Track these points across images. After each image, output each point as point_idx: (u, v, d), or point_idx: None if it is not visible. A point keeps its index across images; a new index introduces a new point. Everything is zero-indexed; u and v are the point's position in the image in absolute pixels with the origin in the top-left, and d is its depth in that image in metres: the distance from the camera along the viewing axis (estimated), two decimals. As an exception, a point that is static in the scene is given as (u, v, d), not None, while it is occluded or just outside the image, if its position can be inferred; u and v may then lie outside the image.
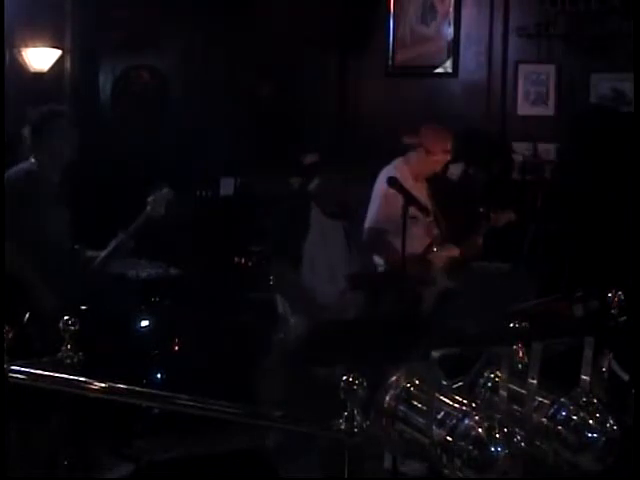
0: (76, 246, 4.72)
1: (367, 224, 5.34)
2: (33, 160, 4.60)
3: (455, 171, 6.23)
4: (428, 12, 7.38)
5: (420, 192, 5.47)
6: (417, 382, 1.79)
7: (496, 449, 1.60)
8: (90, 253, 4.77)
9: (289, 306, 4.48)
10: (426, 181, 5.58)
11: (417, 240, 5.36)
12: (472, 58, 7.24)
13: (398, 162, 5.50)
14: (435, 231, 5.49)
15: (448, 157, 5.50)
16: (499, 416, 1.65)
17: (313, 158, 4.84)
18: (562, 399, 1.76)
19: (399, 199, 5.11)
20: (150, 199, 4.71)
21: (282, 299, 4.54)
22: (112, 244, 4.70)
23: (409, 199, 4.77)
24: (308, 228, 4.47)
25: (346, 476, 1.78)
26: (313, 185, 4.62)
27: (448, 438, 1.64)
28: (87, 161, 6.54)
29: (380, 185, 5.34)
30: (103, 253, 4.70)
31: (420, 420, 1.73)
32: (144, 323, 5.76)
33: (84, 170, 6.47)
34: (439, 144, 5.45)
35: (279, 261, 4.50)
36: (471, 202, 6.38)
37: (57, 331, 2.37)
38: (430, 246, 5.44)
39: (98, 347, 3.34)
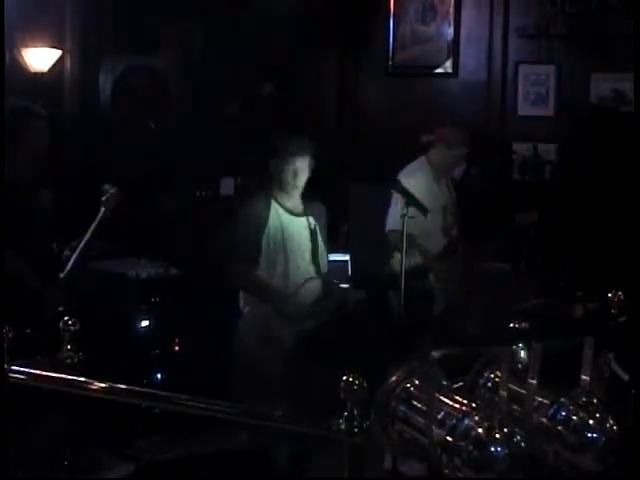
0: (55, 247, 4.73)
1: (388, 226, 5.34)
2: None
3: (456, 171, 6.24)
4: (428, 12, 7.37)
5: (441, 190, 5.50)
6: (417, 382, 1.79)
7: (496, 449, 1.60)
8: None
9: (244, 297, 4.72)
10: (447, 179, 5.60)
11: (434, 240, 5.39)
12: (472, 58, 7.24)
13: (420, 161, 5.53)
14: (454, 231, 5.51)
15: (467, 150, 5.54)
16: (499, 416, 1.65)
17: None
18: (562, 399, 1.76)
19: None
20: (103, 199, 4.80)
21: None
22: (78, 248, 4.71)
23: (408, 199, 4.78)
24: (268, 225, 4.62)
25: (346, 476, 1.78)
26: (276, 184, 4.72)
27: (448, 438, 1.64)
28: (86, 161, 6.55)
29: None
30: (73, 256, 4.71)
31: (420, 420, 1.73)
32: (144, 323, 5.76)
33: (82, 169, 6.48)
34: (457, 137, 5.49)
35: (240, 258, 4.63)
36: (494, 201, 6.38)
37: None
38: (450, 245, 5.45)
39: (98, 347, 3.34)
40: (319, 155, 4.85)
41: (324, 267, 4.80)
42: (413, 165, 5.53)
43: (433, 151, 5.54)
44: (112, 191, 4.87)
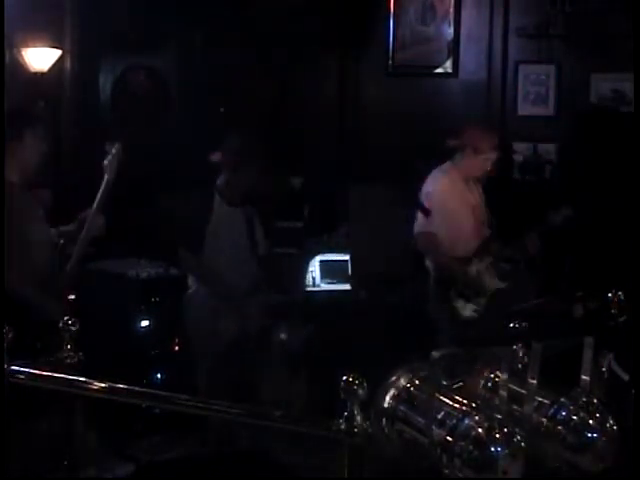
0: (61, 241, 4.65)
1: (417, 229, 5.34)
2: None
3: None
4: (428, 12, 7.37)
5: (471, 194, 5.50)
6: (417, 382, 1.79)
7: (496, 449, 1.60)
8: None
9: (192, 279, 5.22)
10: (476, 182, 5.58)
11: (466, 242, 5.39)
12: (472, 58, 7.24)
13: (446, 165, 5.49)
14: (485, 232, 5.50)
15: (496, 154, 5.49)
16: (499, 416, 1.65)
17: (217, 157, 5.23)
18: (562, 399, 1.76)
19: (446, 202, 5.19)
20: (105, 163, 4.60)
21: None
22: (86, 224, 4.54)
23: (408, 200, 4.80)
24: (211, 216, 5.09)
25: (346, 476, 1.78)
26: (220, 179, 5.18)
27: (448, 438, 1.64)
28: (86, 160, 6.55)
29: (427, 189, 5.36)
30: (81, 235, 4.54)
31: (420, 420, 1.72)
32: (144, 323, 5.76)
33: (82, 169, 6.48)
34: (486, 142, 5.45)
35: (184, 246, 5.11)
36: (524, 201, 6.36)
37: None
38: (482, 247, 5.44)
39: (98, 347, 3.33)
40: (268, 156, 5.38)
41: (262, 251, 5.29)
42: (438, 171, 5.50)
43: (459, 156, 5.46)
44: (114, 150, 4.59)
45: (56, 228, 4.64)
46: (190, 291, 5.23)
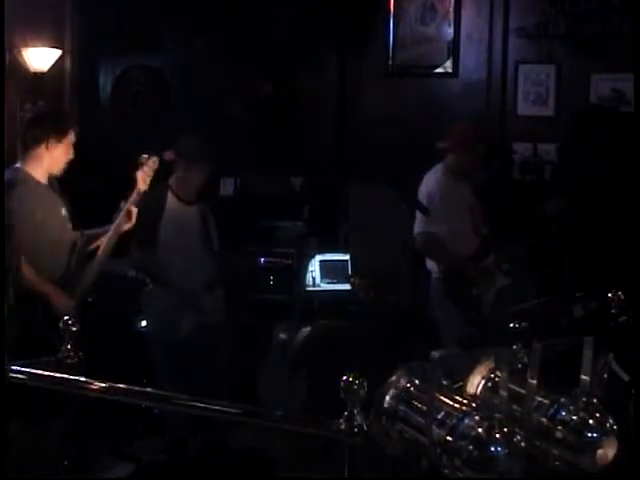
0: (80, 236, 4.63)
1: (416, 229, 5.34)
2: (18, 165, 4.41)
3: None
4: (428, 12, 7.37)
5: (465, 192, 5.50)
6: (417, 382, 1.79)
7: (496, 449, 1.60)
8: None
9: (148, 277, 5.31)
10: (470, 182, 5.58)
11: (467, 240, 5.39)
12: (472, 58, 7.24)
13: (438, 166, 5.50)
14: (483, 230, 5.50)
15: (482, 146, 5.50)
16: (499, 416, 1.65)
17: (170, 155, 5.18)
18: (562, 399, 1.76)
19: (444, 202, 5.20)
20: (138, 174, 4.58)
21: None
22: (111, 231, 4.55)
23: (408, 200, 4.79)
24: (163, 214, 5.11)
25: (346, 476, 1.78)
26: (172, 177, 5.20)
27: (448, 438, 1.64)
28: (88, 161, 6.55)
29: (424, 190, 5.36)
30: (104, 239, 4.55)
31: (420, 420, 1.72)
32: (144, 323, 5.76)
33: (84, 170, 6.48)
34: (469, 134, 5.46)
35: (138, 242, 5.07)
36: (516, 197, 6.36)
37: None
38: (482, 246, 5.44)
39: (98, 347, 3.33)
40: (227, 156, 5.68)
41: (215, 247, 5.32)
42: (431, 173, 5.50)
43: (450, 156, 5.47)
44: (151, 163, 4.57)
45: (80, 231, 4.64)
46: (147, 288, 5.28)
